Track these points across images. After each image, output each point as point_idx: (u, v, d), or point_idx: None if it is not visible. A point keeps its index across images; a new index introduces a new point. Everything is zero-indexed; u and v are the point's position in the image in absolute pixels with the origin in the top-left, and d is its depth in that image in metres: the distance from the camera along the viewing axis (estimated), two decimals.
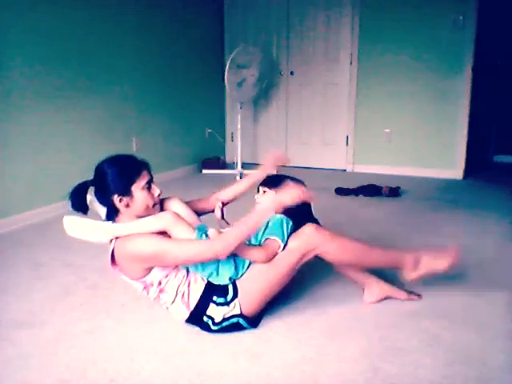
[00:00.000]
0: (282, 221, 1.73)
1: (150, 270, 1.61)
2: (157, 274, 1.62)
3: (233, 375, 1.47)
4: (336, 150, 4.98)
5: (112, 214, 1.65)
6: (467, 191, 3.97)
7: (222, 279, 1.65)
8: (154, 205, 1.66)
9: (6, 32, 2.89)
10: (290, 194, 1.60)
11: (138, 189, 1.61)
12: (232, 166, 4.91)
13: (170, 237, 1.60)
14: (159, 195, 1.67)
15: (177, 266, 1.64)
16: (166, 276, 1.63)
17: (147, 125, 4.20)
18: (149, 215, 1.63)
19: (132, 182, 1.60)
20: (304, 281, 2.04)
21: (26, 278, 2.25)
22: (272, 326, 1.75)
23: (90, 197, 1.65)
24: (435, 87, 4.42)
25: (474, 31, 4.19)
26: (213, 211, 1.93)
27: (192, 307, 1.66)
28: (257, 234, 1.72)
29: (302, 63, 4.98)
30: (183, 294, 1.65)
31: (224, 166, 5.08)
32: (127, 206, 1.61)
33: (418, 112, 4.53)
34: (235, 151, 4.84)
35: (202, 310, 1.66)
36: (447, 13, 4.24)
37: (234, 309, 1.65)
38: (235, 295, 1.65)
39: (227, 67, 4.37)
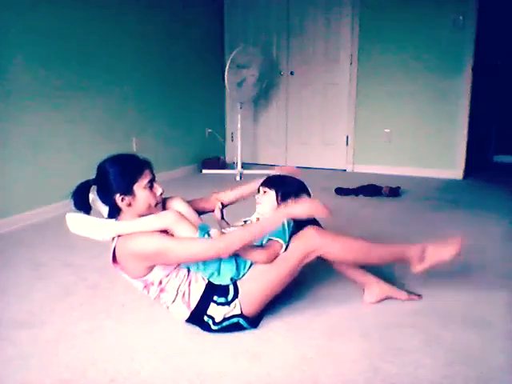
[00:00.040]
0: (283, 222, 1.73)
1: (151, 268, 1.61)
2: (158, 273, 1.62)
3: (233, 375, 1.47)
4: (336, 150, 4.98)
5: (114, 213, 1.65)
6: (467, 191, 3.97)
7: (223, 279, 1.65)
8: (156, 204, 1.66)
9: (6, 32, 2.89)
10: (304, 208, 1.58)
11: (140, 188, 1.61)
12: (232, 166, 4.91)
13: (172, 235, 1.60)
14: (161, 194, 1.68)
15: (178, 266, 1.65)
16: (167, 275, 1.63)
17: (147, 125, 4.20)
18: (151, 214, 1.63)
19: (134, 181, 1.60)
20: (304, 281, 2.04)
21: (26, 278, 2.25)
22: (272, 326, 1.75)
23: (93, 196, 1.65)
24: (435, 87, 4.42)
25: (474, 31, 4.19)
26: (213, 211, 1.93)
27: (193, 307, 1.66)
28: None
29: (302, 63, 4.98)
30: (184, 294, 1.65)
31: (224, 166, 5.08)
32: (129, 205, 1.61)
33: (418, 112, 4.53)
34: (235, 151, 4.84)
35: (202, 310, 1.66)
36: (447, 13, 4.24)
37: (234, 309, 1.65)
38: (236, 295, 1.65)
39: (227, 67, 4.37)
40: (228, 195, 1.98)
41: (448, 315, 1.83)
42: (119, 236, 1.59)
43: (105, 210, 1.68)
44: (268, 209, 1.82)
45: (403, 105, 4.59)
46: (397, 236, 2.68)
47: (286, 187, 1.84)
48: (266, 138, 5.32)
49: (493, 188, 4.06)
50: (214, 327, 1.67)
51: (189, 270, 1.67)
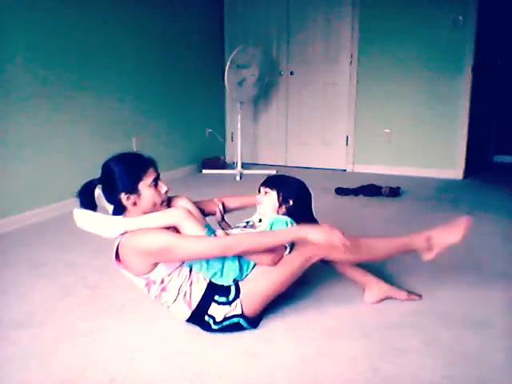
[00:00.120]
0: (287, 223, 1.73)
1: (155, 265, 1.61)
2: (160, 272, 1.62)
3: (233, 375, 1.47)
4: (336, 150, 4.98)
5: (119, 212, 1.65)
6: (467, 191, 3.97)
7: (225, 280, 1.65)
8: (161, 202, 1.66)
9: (5, 32, 2.89)
10: (322, 236, 1.56)
11: (144, 186, 1.61)
12: (232, 165, 4.91)
13: (178, 232, 1.60)
14: (166, 192, 1.68)
15: (181, 265, 1.65)
16: (169, 274, 1.63)
17: (147, 125, 4.20)
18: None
19: (139, 179, 1.60)
20: (304, 281, 2.04)
21: (26, 278, 2.25)
22: (272, 326, 1.75)
23: (98, 191, 1.65)
24: (435, 87, 4.42)
25: (474, 31, 4.18)
26: (214, 214, 1.93)
27: (194, 306, 1.66)
28: None
29: (302, 63, 4.98)
30: (185, 294, 1.65)
31: (224, 166, 5.08)
32: (134, 204, 1.62)
33: (418, 112, 4.53)
34: (235, 151, 4.84)
35: (203, 310, 1.66)
36: (447, 13, 4.23)
37: (235, 308, 1.65)
38: (237, 295, 1.65)
39: (227, 67, 4.37)
40: (232, 200, 1.98)
41: (448, 315, 1.83)
42: (124, 233, 1.59)
43: (110, 207, 1.68)
44: (269, 209, 1.82)
45: (403, 105, 4.59)
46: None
47: (287, 187, 1.84)
48: (265, 138, 5.32)
49: (493, 188, 4.06)
50: (214, 327, 1.67)
51: (190, 270, 1.67)
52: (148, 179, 1.62)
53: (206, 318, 1.66)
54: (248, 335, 1.69)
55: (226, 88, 4.62)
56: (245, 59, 4.51)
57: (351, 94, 4.78)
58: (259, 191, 1.88)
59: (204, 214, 1.86)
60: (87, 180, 1.66)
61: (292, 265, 1.67)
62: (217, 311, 1.65)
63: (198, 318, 1.68)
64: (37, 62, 3.11)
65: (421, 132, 4.56)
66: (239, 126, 4.75)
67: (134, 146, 3.97)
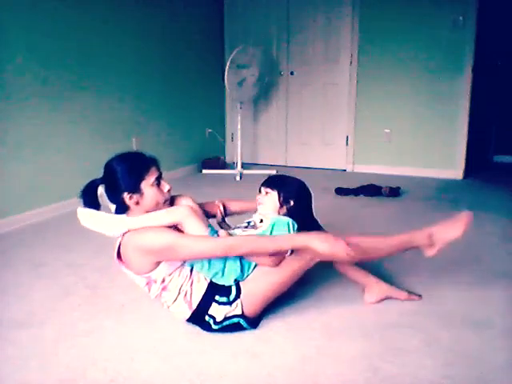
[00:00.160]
0: (288, 224, 1.72)
1: (157, 264, 1.61)
2: (162, 271, 1.62)
3: (233, 375, 1.47)
4: (336, 150, 4.98)
5: (122, 212, 1.65)
6: (467, 191, 3.97)
7: (226, 280, 1.65)
8: (164, 201, 1.66)
9: (5, 32, 2.89)
10: (327, 246, 1.55)
11: (147, 185, 1.61)
12: (232, 165, 4.91)
13: (180, 231, 1.60)
14: (169, 191, 1.68)
15: (182, 264, 1.65)
16: (170, 274, 1.63)
17: (147, 125, 4.20)
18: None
19: (141, 178, 1.60)
20: (305, 281, 2.04)
21: (26, 278, 2.25)
22: (272, 326, 1.75)
23: (101, 189, 1.66)
24: (435, 87, 4.42)
25: (474, 31, 4.19)
26: (215, 216, 1.92)
27: (194, 306, 1.66)
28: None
29: (302, 63, 4.98)
30: (186, 293, 1.65)
31: (224, 166, 5.08)
32: (137, 203, 1.62)
33: (418, 112, 4.53)
34: (235, 151, 4.84)
35: (204, 310, 1.66)
36: (447, 13, 4.23)
37: (235, 309, 1.65)
38: (238, 295, 1.65)
39: (227, 67, 4.37)
40: (234, 204, 1.97)
41: (448, 315, 1.83)
42: (127, 232, 1.59)
43: (113, 207, 1.68)
44: (270, 209, 1.82)
45: (403, 105, 4.59)
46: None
47: (288, 188, 1.84)
48: (265, 138, 5.32)
49: (493, 188, 4.06)
50: (214, 326, 1.67)
51: (191, 270, 1.67)
52: (150, 178, 1.62)
53: (207, 317, 1.66)
54: (248, 335, 1.69)
55: (226, 88, 4.62)
56: (245, 59, 4.51)
57: (351, 94, 4.78)
58: (260, 191, 1.88)
59: (206, 215, 1.86)
60: (89, 180, 1.66)
61: (293, 266, 1.67)
62: (217, 311, 1.65)
63: (199, 317, 1.68)
64: (37, 61, 3.11)
65: (421, 132, 4.56)
66: (239, 126, 4.75)
67: (133, 146, 3.97)
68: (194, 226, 1.60)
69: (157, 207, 1.64)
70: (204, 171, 4.87)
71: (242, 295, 1.65)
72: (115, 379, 1.46)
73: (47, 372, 1.50)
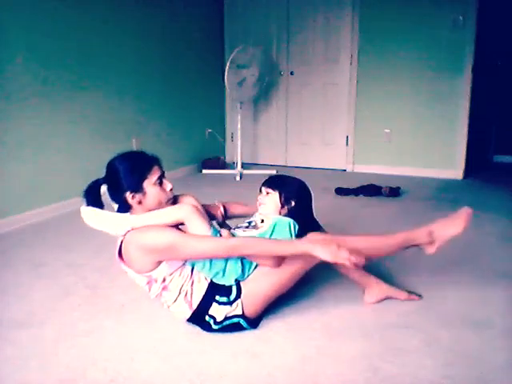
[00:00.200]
0: (289, 224, 1.72)
1: (159, 263, 1.61)
2: (163, 270, 1.62)
3: (233, 375, 1.47)
4: (336, 150, 4.98)
5: (124, 211, 1.65)
6: (467, 191, 3.97)
7: (227, 280, 1.65)
8: (167, 200, 1.66)
9: (5, 32, 2.89)
10: (329, 255, 1.54)
11: (149, 184, 1.61)
12: (232, 165, 4.91)
13: (181, 230, 1.60)
14: (171, 190, 1.68)
15: (183, 264, 1.65)
16: (171, 274, 1.63)
17: (147, 125, 4.20)
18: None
19: (143, 178, 1.60)
20: (305, 281, 2.04)
21: (26, 278, 2.25)
22: (272, 326, 1.75)
23: (104, 188, 1.66)
24: (435, 87, 4.42)
25: (474, 31, 4.18)
26: (215, 217, 1.92)
27: (195, 306, 1.66)
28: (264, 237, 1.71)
29: (302, 63, 4.98)
30: (186, 293, 1.65)
31: (224, 166, 5.08)
32: (140, 202, 1.62)
33: (418, 112, 4.53)
34: (235, 151, 4.84)
35: (204, 310, 1.66)
36: (447, 13, 4.23)
37: (236, 309, 1.65)
38: (238, 295, 1.65)
39: (227, 67, 4.37)
40: (235, 208, 1.97)
41: (448, 315, 1.83)
42: (130, 230, 1.59)
43: (115, 206, 1.68)
44: (271, 210, 1.82)
45: (403, 105, 4.58)
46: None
47: (289, 188, 1.84)
48: (265, 138, 5.32)
49: (493, 188, 4.06)
50: (214, 326, 1.67)
51: (192, 270, 1.67)
52: (153, 177, 1.62)
53: (207, 317, 1.66)
54: (248, 335, 1.69)
55: (226, 88, 4.62)
56: (245, 59, 4.51)
57: (351, 94, 4.78)
58: (260, 191, 1.88)
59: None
60: (89, 180, 1.66)
61: (294, 266, 1.67)
62: (218, 311, 1.65)
63: (199, 317, 1.68)
64: (37, 61, 3.11)
65: (421, 132, 4.56)
66: (239, 126, 4.75)
67: (134, 146, 3.97)
68: (197, 224, 1.60)
69: (159, 206, 1.64)
70: (204, 171, 4.87)
71: (242, 295, 1.65)
72: (115, 379, 1.46)
73: (47, 372, 1.50)
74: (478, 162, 4.94)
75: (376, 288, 1.92)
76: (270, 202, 1.82)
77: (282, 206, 1.81)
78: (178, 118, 4.62)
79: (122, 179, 1.59)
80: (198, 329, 1.71)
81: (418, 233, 1.78)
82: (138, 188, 1.60)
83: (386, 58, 4.55)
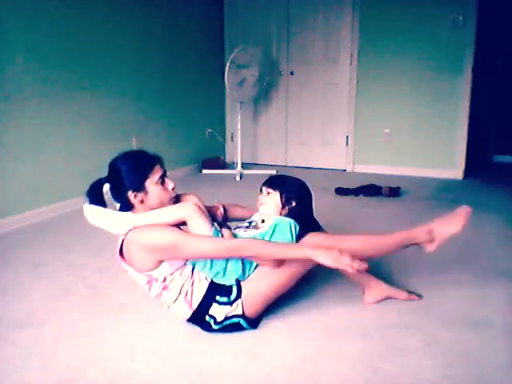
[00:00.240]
0: (290, 225, 1.72)
1: (160, 263, 1.60)
2: (164, 269, 1.62)
3: (233, 375, 1.47)
4: (336, 150, 4.98)
5: (126, 210, 1.64)
6: (467, 191, 3.97)
7: (228, 280, 1.65)
8: (169, 200, 1.66)
9: (5, 32, 2.89)
10: (331, 261, 1.53)
11: (151, 184, 1.61)
12: (232, 165, 4.91)
13: (182, 230, 1.60)
14: (173, 189, 1.68)
15: (184, 264, 1.65)
16: (172, 273, 1.63)
17: (147, 125, 4.20)
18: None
19: (145, 177, 1.60)
20: (305, 281, 2.04)
21: (26, 278, 2.25)
22: (272, 326, 1.75)
23: (106, 189, 1.66)
24: (435, 87, 4.42)
25: (473, 31, 4.19)
26: (216, 218, 1.92)
27: (195, 306, 1.66)
28: (264, 238, 1.71)
29: (302, 63, 4.98)
30: (186, 293, 1.65)
31: (224, 166, 5.08)
32: (142, 201, 1.62)
33: (418, 112, 4.53)
34: (235, 151, 4.84)
35: (204, 310, 1.66)
36: (447, 13, 4.24)
37: (236, 309, 1.65)
38: (238, 295, 1.65)
39: (227, 67, 4.37)
40: (233, 209, 1.97)
41: (448, 315, 1.83)
42: (131, 230, 1.59)
43: (117, 206, 1.68)
44: (272, 210, 1.82)
45: (403, 105, 4.59)
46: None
47: (289, 188, 1.84)
48: (266, 137, 5.32)
49: (493, 188, 4.06)
50: (214, 326, 1.67)
51: (193, 270, 1.66)
52: (155, 176, 1.62)
53: (207, 317, 1.66)
54: (248, 335, 1.69)
55: (226, 88, 4.62)
56: (245, 59, 4.51)
57: (351, 94, 4.78)
58: (261, 191, 1.88)
59: None
60: (90, 180, 1.66)
61: (294, 267, 1.67)
62: (218, 311, 1.65)
63: (199, 317, 1.67)
64: (37, 61, 3.11)
65: (421, 132, 4.56)
66: (239, 126, 4.75)
67: (134, 146, 3.96)
68: (199, 223, 1.60)
69: (161, 205, 1.64)
70: (204, 171, 4.87)
71: (242, 295, 1.65)
72: (115, 379, 1.46)
73: (47, 372, 1.50)
74: (477, 162, 4.94)
75: (376, 288, 1.92)
76: (270, 202, 1.82)
77: (283, 206, 1.81)
78: (178, 118, 4.62)
79: (124, 178, 1.59)
80: (197, 329, 1.71)
81: (417, 231, 1.78)
82: (140, 187, 1.60)
83: (385, 58, 4.55)
